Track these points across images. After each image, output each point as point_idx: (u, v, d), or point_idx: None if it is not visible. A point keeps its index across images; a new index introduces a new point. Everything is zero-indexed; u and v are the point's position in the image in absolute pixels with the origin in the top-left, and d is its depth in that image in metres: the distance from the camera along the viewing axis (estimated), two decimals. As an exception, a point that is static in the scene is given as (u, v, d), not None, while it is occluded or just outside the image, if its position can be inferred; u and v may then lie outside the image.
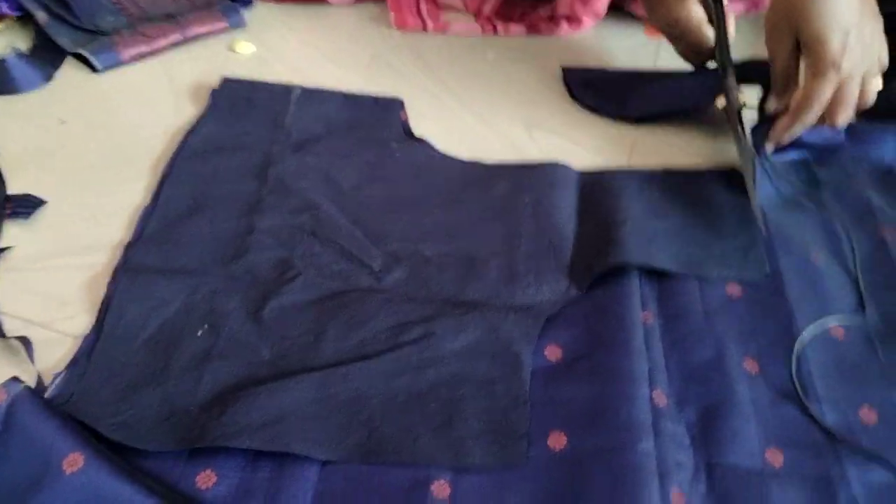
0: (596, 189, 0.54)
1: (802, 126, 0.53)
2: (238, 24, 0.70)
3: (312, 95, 0.61)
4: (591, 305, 0.46)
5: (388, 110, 0.61)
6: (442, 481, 0.38)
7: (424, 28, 0.73)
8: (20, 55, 0.62)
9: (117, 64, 0.64)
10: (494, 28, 0.74)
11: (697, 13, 0.59)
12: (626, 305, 0.45)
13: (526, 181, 0.55)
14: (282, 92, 0.61)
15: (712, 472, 0.39)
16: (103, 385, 0.40)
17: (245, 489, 0.37)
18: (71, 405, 0.39)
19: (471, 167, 0.57)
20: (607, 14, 0.72)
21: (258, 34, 0.71)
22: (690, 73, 0.64)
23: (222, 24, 0.69)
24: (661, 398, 0.41)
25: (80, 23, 0.64)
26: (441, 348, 0.43)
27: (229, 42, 0.69)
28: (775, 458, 0.39)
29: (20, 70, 0.60)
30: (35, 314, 0.45)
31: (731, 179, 0.55)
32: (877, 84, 0.53)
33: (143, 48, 0.65)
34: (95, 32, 0.65)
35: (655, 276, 0.48)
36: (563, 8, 0.70)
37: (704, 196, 0.54)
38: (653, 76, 0.65)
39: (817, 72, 0.50)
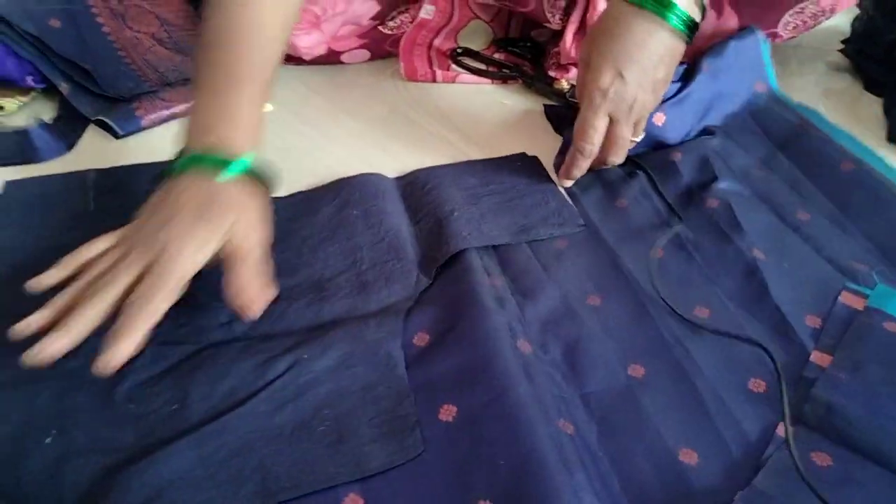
0: (416, 188, 0.58)
1: (583, 157, 0.56)
2: (256, 86, 0.71)
3: (111, 174, 0.59)
4: (442, 289, 0.49)
5: None
6: (352, 495, 0.37)
7: (433, 79, 0.73)
8: (43, 125, 0.63)
9: (138, 129, 0.65)
10: (504, 79, 0.74)
11: None
12: (472, 278, 0.48)
13: (348, 196, 0.57)
14: (76, 179, 0.58)
15: (587, 401, 0.42)
16: None
17: None
18: None
19: (292, 199, 0.57)
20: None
21: (276, 93, 0.71)
22: None
23: (241, 87, 0.70)
24: (526, 346, 0.44)
25: (101, 91, 0.65)
26: (313, 370, 0.42)
27: (248, 103, 0.69)
28: (637, 371, 0.44)
29: (43, 139, 0.61)
30: None
31: (524, 159, 0.63)
32: (638, 136, 0.58)
33: (164, 112, 0.66)
34: (117, 99, 0.66)
35: (491, 248, 0.53)
36: (565, 58, 0.70)
37: (509, 176, 0.60)
38: None
39: (587, 99, 0.54)
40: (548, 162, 0.62)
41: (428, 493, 0.37)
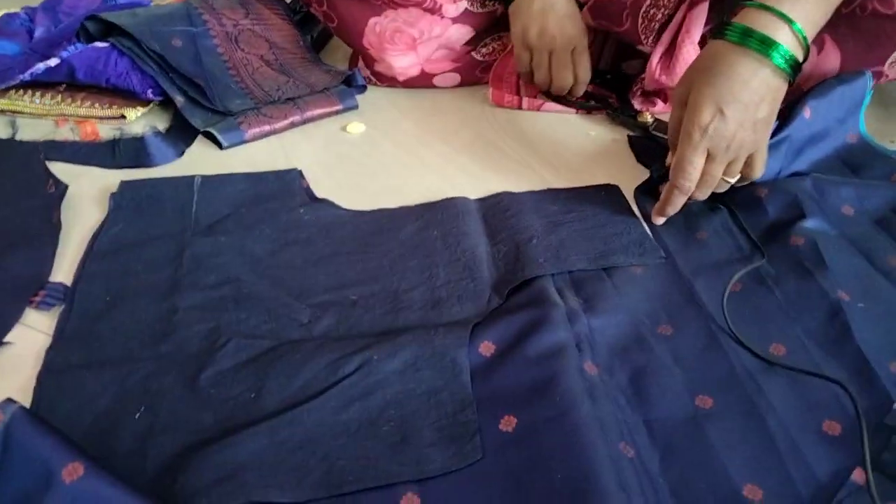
0: (497, 211, 0.60)
1: (680, 194, 0.56)
2: (351, 107, 0.75)
3: (213, 180, 0.63)
4: (513, 303, 0.50)
5: (289, 180, 0.64)
6: (410, 494, 0.38)
7: (520, 106, 0.75)
8: (157, 133, 0.68)
9: (241, 142, 0.70)
10: (589, 109, 0.74)
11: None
12: (543, 296, 0.49)
13: (431, 217, 0.59)
14: (183, 183, 0.63)
15: (651, 427, 0.42)
16: None
17: None
18: None
19: (378, 215, 0.60)
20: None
21: (369, 115, 0.75)
22: None
23: (337, 107, 0.74)
24: (592, 368, 0.45)
25: (211, 105, 0.70)
26: (382, 371, 0.44)
27: (342, 122, 0.73)
28: (705, 402, 0.44)
29: (156, 146, 0.67)
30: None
31: (606, 190, 0.63)
32: (734, 177, 0.56)
33: (265, 127, 0.70)
34: (224, 113, 0.71)
35: (566, 270, 0.54)
36: (650, 81, 0.70)
37: (591, 205, 0.61)
38: None
39: (685, 135, 0.54)
40: (629, 192, 0.63)
41: (483, 499, 0.38)
